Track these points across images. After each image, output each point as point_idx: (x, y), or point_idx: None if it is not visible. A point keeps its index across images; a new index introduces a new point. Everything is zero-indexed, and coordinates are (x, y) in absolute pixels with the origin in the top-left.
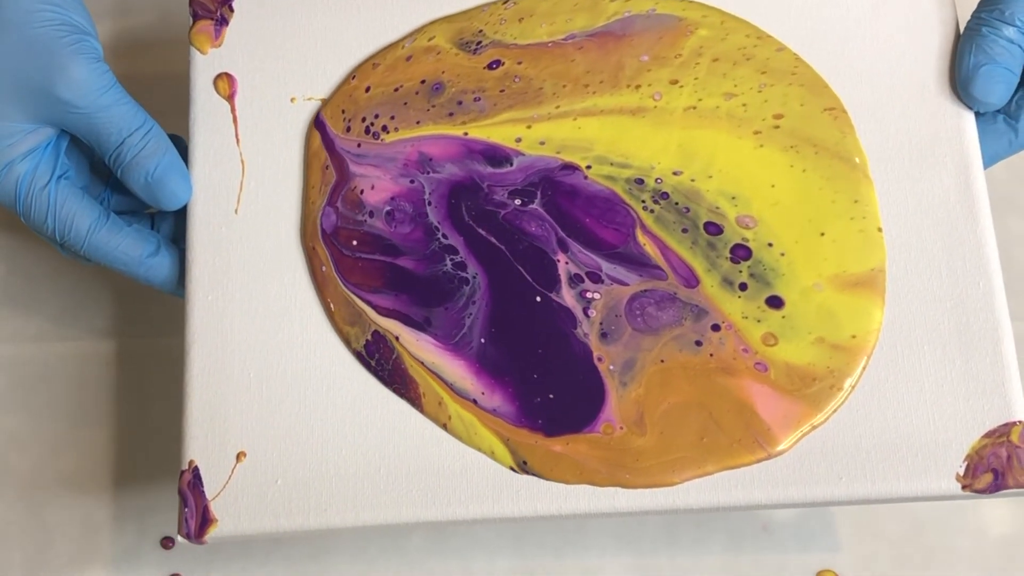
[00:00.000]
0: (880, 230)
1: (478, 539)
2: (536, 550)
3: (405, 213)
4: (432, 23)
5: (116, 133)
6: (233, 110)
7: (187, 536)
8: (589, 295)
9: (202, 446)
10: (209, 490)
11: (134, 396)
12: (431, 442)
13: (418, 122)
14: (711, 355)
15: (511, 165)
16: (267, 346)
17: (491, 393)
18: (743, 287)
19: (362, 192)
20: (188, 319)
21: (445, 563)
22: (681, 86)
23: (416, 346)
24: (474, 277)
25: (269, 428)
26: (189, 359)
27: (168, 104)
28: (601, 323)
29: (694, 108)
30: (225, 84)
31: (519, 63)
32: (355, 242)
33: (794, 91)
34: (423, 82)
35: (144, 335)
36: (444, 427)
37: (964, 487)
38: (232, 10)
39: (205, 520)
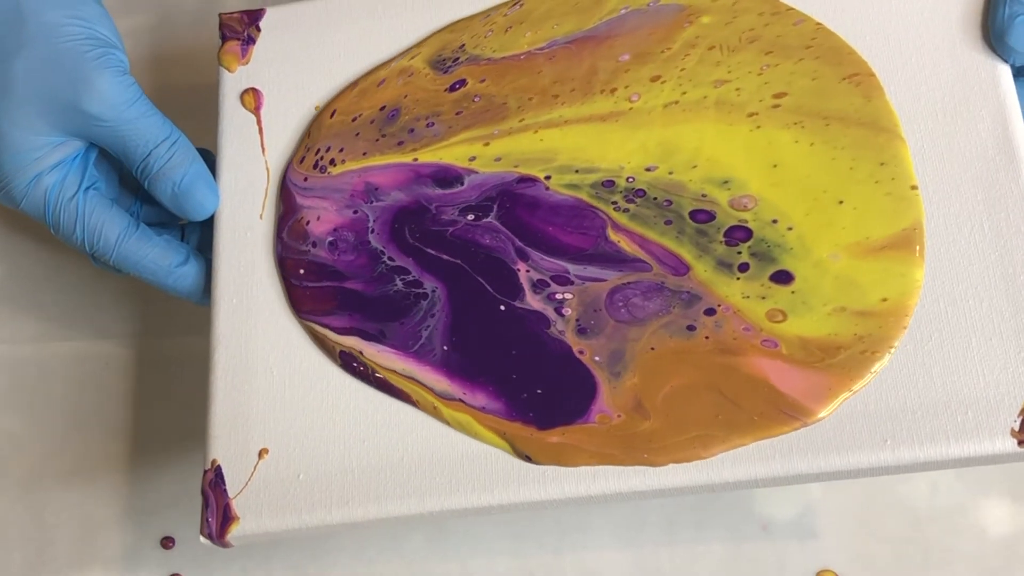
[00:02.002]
0: (915, 188)
1: (478, 539)
2: (536, 550)
3: (347, 243)
4: (432, 35)
5: (143, 145)
6: (259, 121)
7: (209, 536)
8: (559, 296)
9: (225, 445)
10: (231, 489)
11: (134, 396)
12: (453, 431)
13: (364, 153)
14: (706, 337)
15: (461, 184)
16: (290, 346)
17: (472, 393)
18: (743, 268)
19: (308, 223)
20: (214, 321)
21: (445, 563)
22: (664, 81)
23: (379, 357)
24: (433, 291)
25: (292, 425)
26: (214, 360)
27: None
28: (578, 320)
29: (676, 103)
30: (251, 98)
31: (482, 81)
32: (302, 271)
33: (805, 66)
34: (383, 109)
35: (144, 336)
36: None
37: (1021, 443)
38: (259, 30)
39: (227, 518)
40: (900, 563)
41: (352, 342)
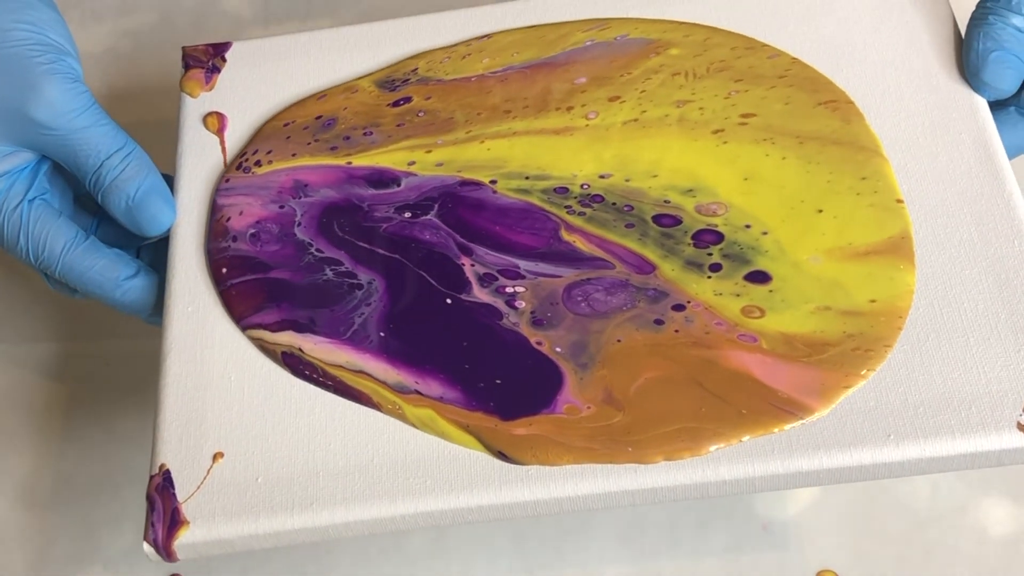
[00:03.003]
0: (900, 202)
1: (479, 539)
2: (537, 551)
3: (271, 234)
4: (389, 64)
5: (94, 155)
6: (222, 143)
7: (154, 543)
8: (509, 290)
9: (175, 449)
10: (181, 493)
11: (134, 396)
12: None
13: (294, 154)
14: (676, 331)
15: (398, 186)
16: (248, 354)
17: (425, 381)
18: (715, 268)
19: (228, 220)
20: (166, 328)
21: (446, 564)
22: (623, 102)
23: (319, 351)
24: (369, 283)
25: (251, 428)
26: (165, 366)
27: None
28: (533, 312)
29: (636, 120)
30: (215, 120)
31: (427, 98)
32: (224, 269)
33: (777, 92)
34: (318, 118)
35: (143, 336)
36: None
37: None
38: (225, 60)
39: (175, 523)
40: (900, 563)
41: (287, 338)
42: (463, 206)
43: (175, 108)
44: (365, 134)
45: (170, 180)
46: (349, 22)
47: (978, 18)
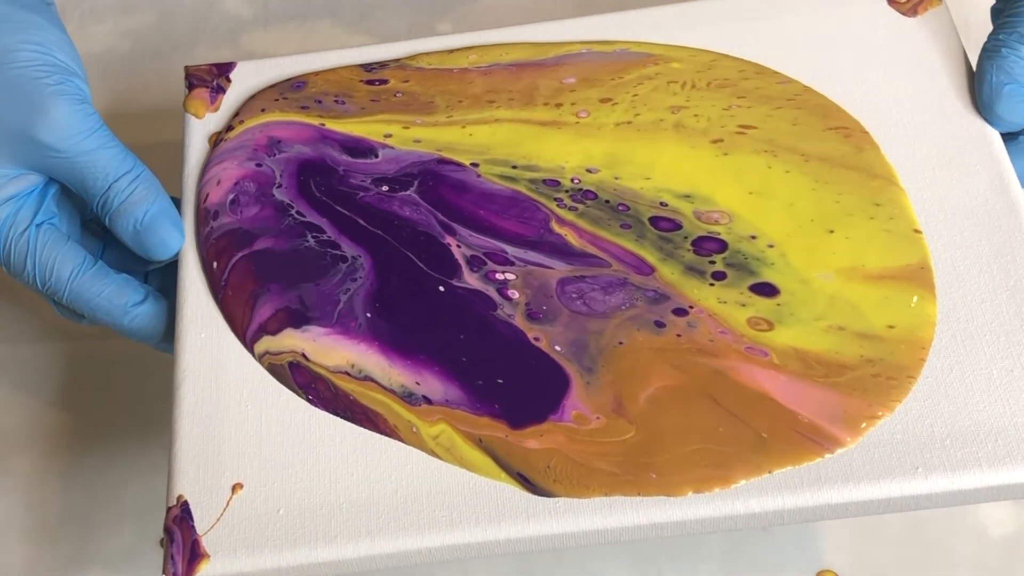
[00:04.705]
0: (918, 231)
1: None
2: (536, 554)
3: (249, 195)
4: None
5: (102, 178)
6: None
7: None
8: (500, 276)
9: (192, 480)
10: (200, 525)
11: (134, 396)
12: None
13: (263, 110)
14: (678, 335)
15: (375, 156)
16: (264, 382)
17: (424, 379)
18: (719, 276)
19: (207, 197)
20: (179, 356)
21: (446, 566)
22: (615, 104)
23: (319, 351)
24: (355, 258)
25: (271, 458)
26: (179, 395)
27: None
28: (528, 304)
29: (629, 123)
30: None
31: (405, 82)
32: (215, 263)
33: (784, 113)
34: (287, 80)
35: None
36: (435, 455)
37: None
38: (229, 80)
39: (195, 556)
40: (900, 563)
41: (289, 340)
42: (444, 185)
43: (174, 108)
44: (337, 101)
45: (178, 203)
46: (349, 22)
47: (991, 51)
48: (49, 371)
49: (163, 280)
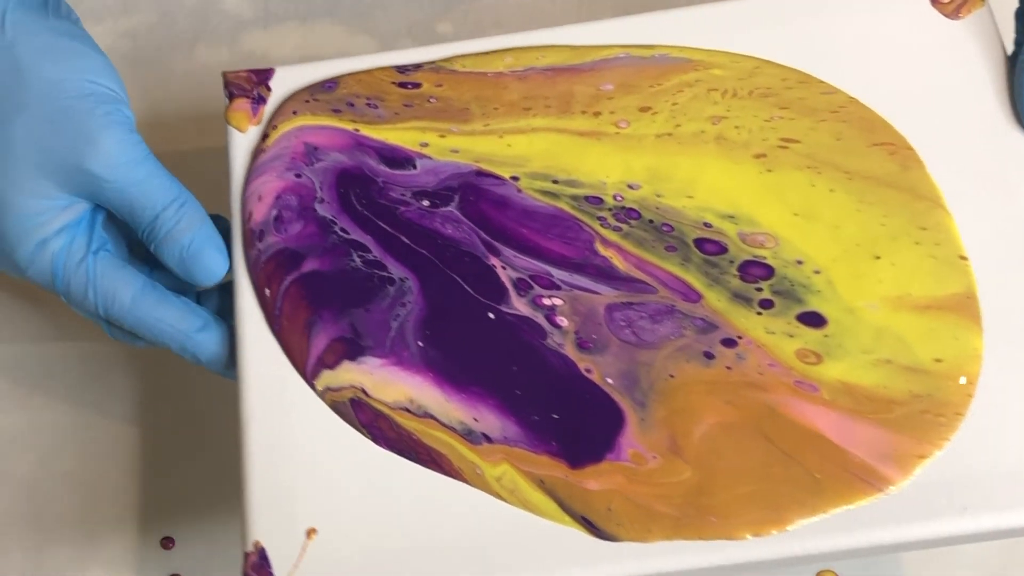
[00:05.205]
0: (964, 258)
1: None
2: None
3: (291, 210)
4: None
5: (150, 207)
6: None
7: None
8: (547, 302)
9: (267, 526)
10: (279, 572)
11: (134, 396)
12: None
13: (294, 112)
14: (728, 368)
15: (413, 168)
16: (328, 420)
17: (481, 415)
18: (765, 304)
19: (251, 216)
20: (243, 395)
21: None
22: (655, 113)
23: (378, 386)
24: (402, 280)
25: (340, 502)
26: (247, 437)
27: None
28: (577, 332)
29: (670, 135)
30: None
31: (438, 86)
32: (267, 291)
33: (828, 126)
34: (318, 82)
35: None
36: (500, 498)
37: None
38: (269, 89)
39: None
40: (900, 563)
41: (348, 375)
42: (485, 200)
43: (174, 108)
44: (369, 104)
45: (218, 220)
46: (349, 22)
47: None
48: (49, 371)
49: (220, 304)
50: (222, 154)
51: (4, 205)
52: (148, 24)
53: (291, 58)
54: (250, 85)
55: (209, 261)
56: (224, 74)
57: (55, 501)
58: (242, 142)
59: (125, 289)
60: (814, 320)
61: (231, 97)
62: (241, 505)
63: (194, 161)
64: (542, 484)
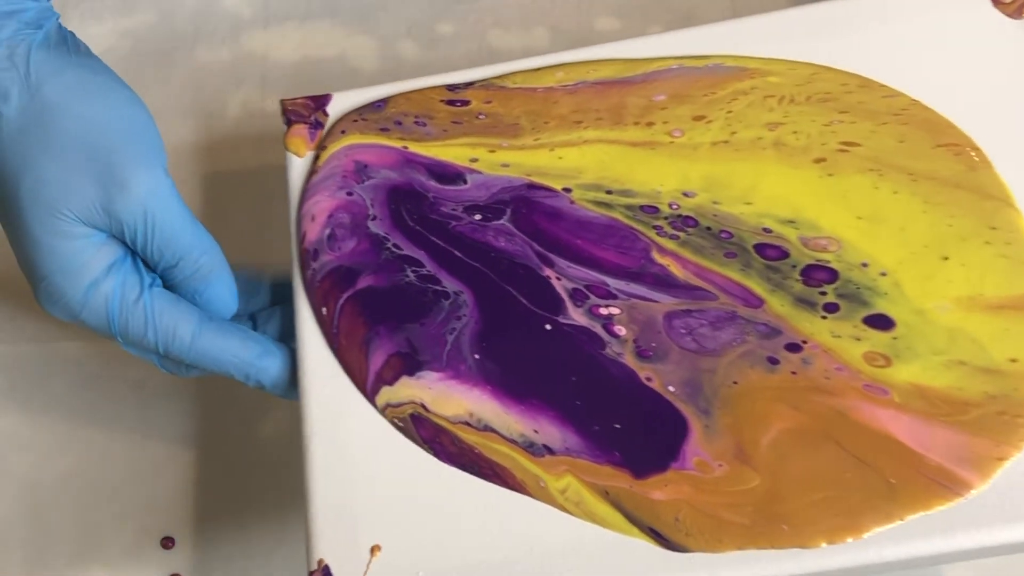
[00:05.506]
0: None
1: None
2: None
3: (344, 228)
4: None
5: (171, 254)
6: None
7: None
8: (604, 311)
9: (331, 543)
10: None
11: (134, 396)
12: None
13: (343, 132)
14: (793, 373)
15: (464, 183)
16: (389, 437)
17: (541, 426)
18: (830, 308)
19: (304, 237)
20: (305, 414)
21: None
22: (709, 121)
23: (432, 396)
24: (456, 294)
25: (405, 518)
26: (310, 454)
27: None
28: (636, 340)
29: (726, 142)
30: None
31: (487, 103)
32: (323, 310)
33: (889, 129)
34: (369, 104)
35: None
36: (565, 510)
37: None
38: (327, 114)
39: None
40: None
41: (406, 391)
42: (538, 212)
43: (174, 107)
44: (417, 122)
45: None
46: (349, 22)
47: None
48: (49, 371)
49: (280, 326)
50: (221, 153)
51: (42, 249)
52: (148, 24)
53: (291, 58)
54: (308, 111)
55: (220, 305)
56: (282, 101)
57: (55, 501)
58: (299, 166)
59: (185, 325)
60: (882, 323)
61: (289, 123)
62: (305, 523)
63: (189, 159)
64: (607, 495)
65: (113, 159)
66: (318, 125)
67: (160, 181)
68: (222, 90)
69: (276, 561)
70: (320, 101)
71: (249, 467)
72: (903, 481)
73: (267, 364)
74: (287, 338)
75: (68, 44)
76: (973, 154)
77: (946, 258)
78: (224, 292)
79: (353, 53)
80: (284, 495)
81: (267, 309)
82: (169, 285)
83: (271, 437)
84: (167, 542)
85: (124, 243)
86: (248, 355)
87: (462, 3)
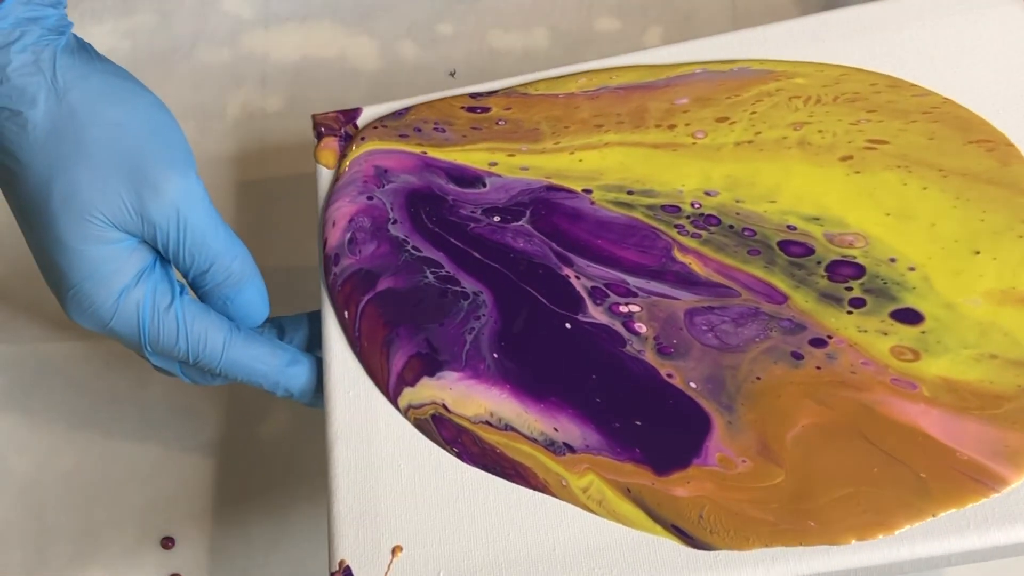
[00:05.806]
0: None
1: None
2: None
3: (364, 231)
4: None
5: (203, 260)
6: None
7: None
8: (623, 309)
9: (353, 544)
10: None
11: (134, 395)
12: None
13: (363, 139)
14: (818, 368)
15: (483, 186)
16: (414, 439)
17: (562, 424)
18: (856, 303)
19: (327, 241)
20: (329, 416)
21: None
22: (732, 123)
23: (453, 396)
24: (476, 294)
25: (427, 519)
26: (334, 457)
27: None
28: (656, 338)
29: (750, 142)
30: None
31: (507, 109)
32: (345, 313)
33: (919, 127)
34: (391, 113)
35: None
36: (588, 509)
37: None
38: (356, 127)
39: None
40: None
41: (427, 392)
42: (558, 214)
43: (174, 107)
44: (437, 129)
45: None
46: (349, 22)
47: None
48: (49, 371)
49: (308, 334)
50: (220, 152)
51: (73, 255)
52: (148, 24)
53: (291, 58)
54: (338, 125)
55: (251, 311)
56: (314, 116)
57: (55, 501)
58: (326, 176)
59: (216, 333)
60: (910, 317)
61: (319, 136)
62: (327, 524)
63: None
64: (628, 493)
65: (145, 162)
66: (348, 137)
67: (193, 184)
68: (222, 90)
69: (276, 561)
70: (350, 115)
71: (249, 467)
72: (934, 476)
73: (296, 372)
74: (315, 345)
75: (89, 51)
76: (1006, 150)
77: (977, 252)
78: (256, 297)
79: (353, 53)
80: (284, 495)
81: (295, 316)
82: (199, 294)
83: (271, 437)
84: (167, 542)
85: (154, 249)
86: (278, 363)
87: (462, 3)
